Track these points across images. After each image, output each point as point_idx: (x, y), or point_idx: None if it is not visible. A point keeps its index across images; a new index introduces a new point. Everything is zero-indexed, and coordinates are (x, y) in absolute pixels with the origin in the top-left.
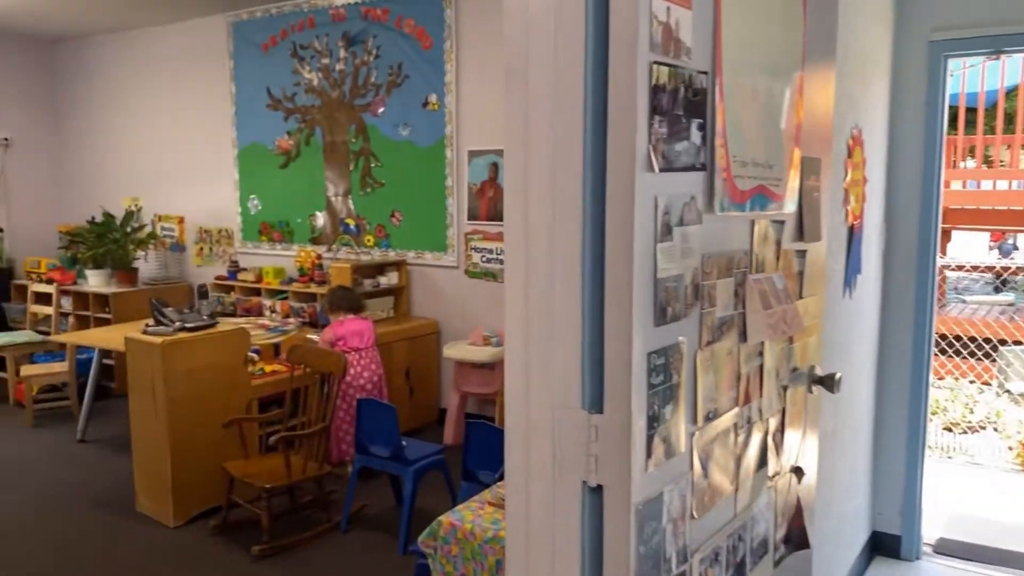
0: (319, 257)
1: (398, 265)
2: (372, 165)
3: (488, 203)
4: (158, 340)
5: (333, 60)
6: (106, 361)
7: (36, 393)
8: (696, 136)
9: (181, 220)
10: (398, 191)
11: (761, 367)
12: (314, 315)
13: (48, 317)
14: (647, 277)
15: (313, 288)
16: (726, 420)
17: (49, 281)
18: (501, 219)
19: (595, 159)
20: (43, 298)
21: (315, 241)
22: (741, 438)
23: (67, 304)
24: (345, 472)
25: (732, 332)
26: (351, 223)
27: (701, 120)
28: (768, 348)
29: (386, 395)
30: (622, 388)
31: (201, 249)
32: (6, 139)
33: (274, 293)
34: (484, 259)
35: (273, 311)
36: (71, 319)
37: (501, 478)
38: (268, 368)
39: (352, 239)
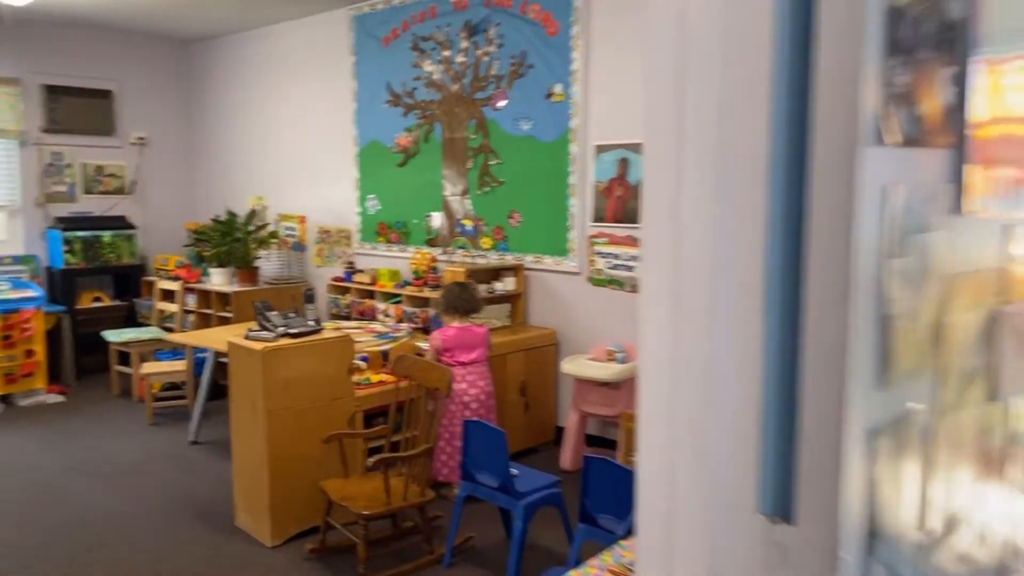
0: (434, 260)
1: (515, 270)
2: (491, 162)
3: (616, 203)
4: (258, 347)
5: (454, 52)
6: (223, 360)
7: (157, 391)
8: (948, 93)
9: (303, 220)
10: (517, 190)
11: (1012, 436)
12: (427, 320)
13: (174, 314)
14: (870, 313)
15: (427, 292)
16: (969, 521)
17: (175, 278)
18: (630, 221)
19: (790, 127)
20: (170, 295)
21: (431, 243)
22: (987, 543)
23: (192, 302)
24: (450, 494)
25: (977, 388)
26: (468, 224)
27: (955, 68)
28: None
29: (494, 412)
30: (826, 486)
31: (321, 249)
32: (142, 138)
33: (388, 296)
34: (610, 265)
35: (387, 315)
36: (193, 317)
37: (628, 533)
38: (375, 378)
39: (468, 241)
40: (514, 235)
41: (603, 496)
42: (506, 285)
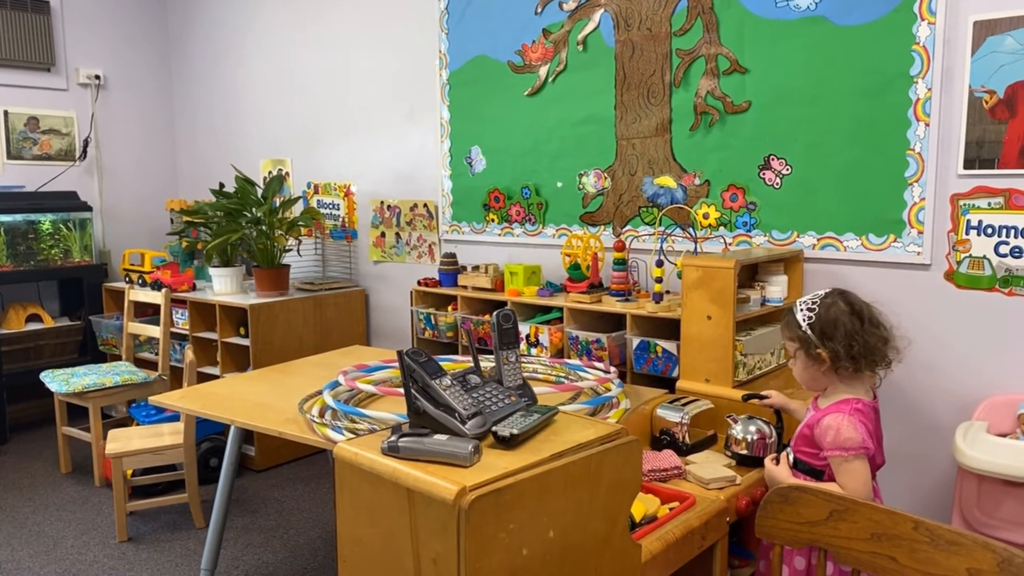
0: (620, 245)
1: (785, 263)
2: (722, 70)
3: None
4: (450, 488)
5: None
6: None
7: (130, 476)
8: None
9: (348, 191)
10: (780, 120)
11: None
12: (616, 354)
13: (156, 341)
14: None
15: (610, 303)
16: None
17: (156, 284)
18: None
19: None
20: (148, 311)
21: (591, 219)
22: None
23: (182, 320)
24: None
25: None
26: (669, 185)
27: None
28: None
29: None
30: None
31: (382, 235)
32: (98, 77)
33: (531, 312)
34: (1003, 250)
35: (534, 344)
36: (186, 349)
37: None
38: (642, 507)
39: (668, 213)
40: (772, 200)
41: None
42: (773, 291)
